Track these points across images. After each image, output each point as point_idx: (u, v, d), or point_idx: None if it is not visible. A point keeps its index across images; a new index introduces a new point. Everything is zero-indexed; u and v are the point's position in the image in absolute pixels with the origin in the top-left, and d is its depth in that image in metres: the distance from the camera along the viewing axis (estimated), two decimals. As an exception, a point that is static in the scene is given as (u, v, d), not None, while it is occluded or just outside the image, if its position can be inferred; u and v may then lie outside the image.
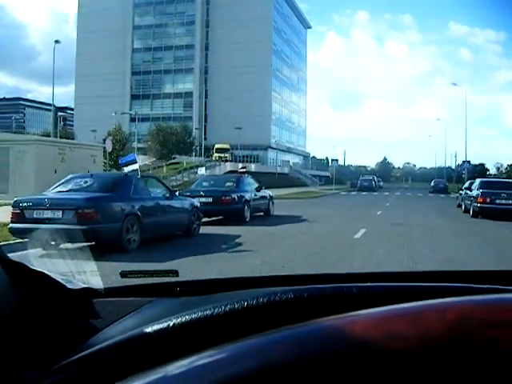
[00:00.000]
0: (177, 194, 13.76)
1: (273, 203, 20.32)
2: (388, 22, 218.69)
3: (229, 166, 56.82)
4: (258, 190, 19.11)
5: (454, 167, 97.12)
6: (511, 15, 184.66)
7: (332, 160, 51.38)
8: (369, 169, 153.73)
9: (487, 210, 20.36)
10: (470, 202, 22.05)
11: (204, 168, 37.28)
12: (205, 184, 18.56)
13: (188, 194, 17.17)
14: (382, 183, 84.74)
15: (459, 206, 28.56)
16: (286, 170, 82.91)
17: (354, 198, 42.89)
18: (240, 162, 68.26)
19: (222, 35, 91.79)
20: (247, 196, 17.65)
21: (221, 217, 17.03)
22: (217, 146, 71.33)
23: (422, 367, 0.61)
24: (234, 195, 17.12)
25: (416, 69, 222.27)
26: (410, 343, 0.63)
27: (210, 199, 16.69)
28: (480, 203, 20.43)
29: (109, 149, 32.64)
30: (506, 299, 0.75)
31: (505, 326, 0.64)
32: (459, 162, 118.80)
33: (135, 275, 1.42)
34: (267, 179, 63.13)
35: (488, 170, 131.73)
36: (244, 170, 21.82)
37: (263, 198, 19.44)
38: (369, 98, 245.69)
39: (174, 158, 55.60)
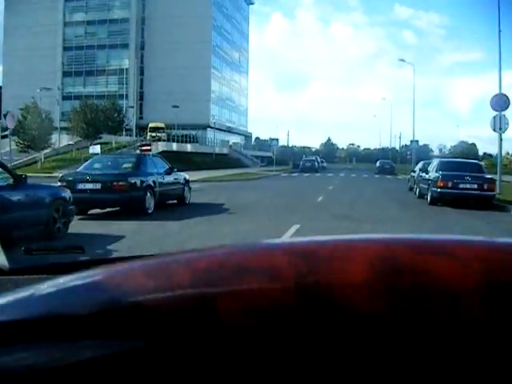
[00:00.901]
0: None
1: (189, 188, 16.33)
2: (333, 4, 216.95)
3: (162, 147, 52.49)
4: (169, 172, 15.14)
5: (398, 148, 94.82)
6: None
7: (272, 140, 47.74)
8: (313, 150, 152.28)
9: (449, 195, 16.97)
10: (426, 186, 18.63)
11: (99, 147, 32.56)
12: (96, 166, 14.43)
13: (70, 178, 13.22)
14: (325, 164, 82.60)
15: (411, 189, 25.38)
16: (225, 151, 78.29)
17: (294, 179, 39.35)
18: (177, 142, 64.27)
19: (159, 9, 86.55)
20: (151, 180, 13.70)
21: (116, 208, 13.17)
22: (151, 124, 66.80)
23: None
24: (132, 180, 13.20)
25: (361, 50, 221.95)
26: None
27: (99, 185, 12.80)
28: (440, 188, 16.98)
29: (10, 126, 27.98)
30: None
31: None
32: (404, 143, 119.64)
33: (39, 251, 1.56)
34: (203, 160, 60.30)
35: (432, 151, 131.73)
36: (147, 148, 17.48)
37: (175, 182, 15.42)
38: (314, 80, 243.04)
39: (100, 138, 50.65)
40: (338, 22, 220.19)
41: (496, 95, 22.15)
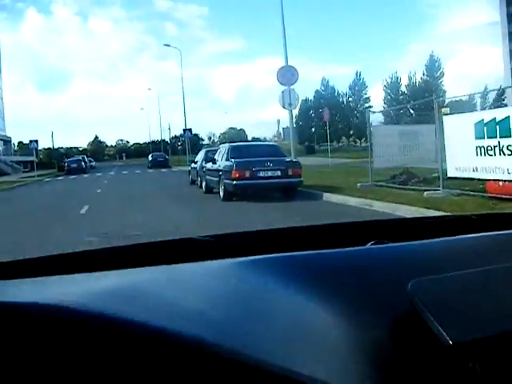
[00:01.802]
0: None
1: None
2: None
3: None
4: None
5: (168, 140, 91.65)
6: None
7: (31, 142, 41.65)
8: (81, 149, 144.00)
9: (248, 187, 13.69)
10: (216, 179, 15.18)
11: None
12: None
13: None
14: (94, 163, 76.84)
15: (193, 182, 21.97)
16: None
17: (57, 184, 33.96)
18: None
19: None
20: None
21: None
22: None
23: None
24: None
25: (123, 45, 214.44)
26: None
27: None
28: (236, 179, 13.61)
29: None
30: None
31: None
32: (174, 133, 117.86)
33: None
34: None
35: (203, 140, 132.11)
36: None
37: None
38: (77, 77, 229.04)
39: None
40: (98, 18, 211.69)
41: (283, 67, 19.37)
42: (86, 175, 44.89)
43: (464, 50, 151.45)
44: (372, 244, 1.14)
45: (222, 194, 14.56)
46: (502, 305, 0.79)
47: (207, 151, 21.19)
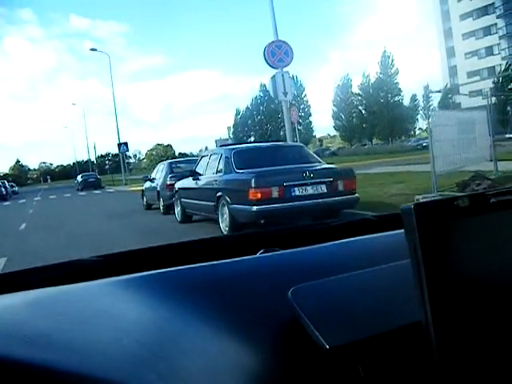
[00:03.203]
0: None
1: None
2: (4, 17, 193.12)
3: None
4: None
5: (94, 159, 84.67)
6: (132, 6, 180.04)
7: None
8: (1, 175, 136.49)
9: (277, 213, 8.44)
10: (208, 203, 9.80)
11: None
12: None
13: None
14: (16, 188, 69.43)
15: (150, 207, 16.84)
16: None
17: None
18: None
19: None
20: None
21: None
22: None
23: None
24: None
25: (42, 65, 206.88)
26: None
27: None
28: (259, 202, 8.26)
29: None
30: None
31: None
32: (99, 153, 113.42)
33: None
34: None
35: (130, 158, 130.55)
36: None
37: None
38: None
39: None
40: (13, 37, 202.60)
41: (272, 42, 14.07)
42: (7, 203, 38.01)
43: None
44: (261, 253, 1.12)
45: (224, 225, 9.17)
46: (382, 304, 0.79)
47: (171, 163, 15.79)
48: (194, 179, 10.97)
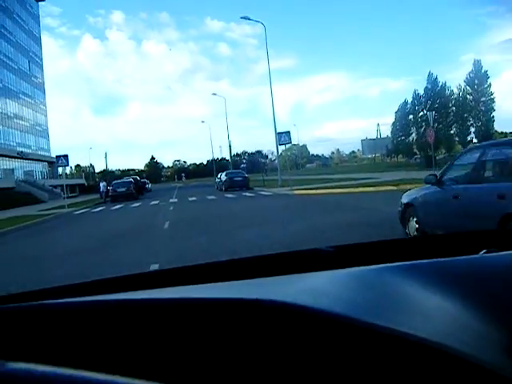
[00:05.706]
0: None
1: None
2: (144, 21, 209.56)
3: None
4: None
5: (229, 158, 77.39)
6: (270, 9, 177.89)
7: (57, 157, 29.18)
8: (137, 171, 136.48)
9: None
10: None
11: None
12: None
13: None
14: (149, 185, 64.34)
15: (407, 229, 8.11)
16: (11, 184, 55.82)
17: (80, 226, 20.11)
18: None
19: None
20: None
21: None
22: None
23: None
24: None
25: (176, 67, 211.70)
26: None
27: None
28: None
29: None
30: None
31: None
32: (235, 152, 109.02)
33: None
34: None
35: (266, 157, 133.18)
36: None
37: None
38: (131, 100, 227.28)
39: None
40: (151, 40, 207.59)
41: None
42: (135, 204, 30.63)
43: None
44: (484, 252, 1.16)
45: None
46: None
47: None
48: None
